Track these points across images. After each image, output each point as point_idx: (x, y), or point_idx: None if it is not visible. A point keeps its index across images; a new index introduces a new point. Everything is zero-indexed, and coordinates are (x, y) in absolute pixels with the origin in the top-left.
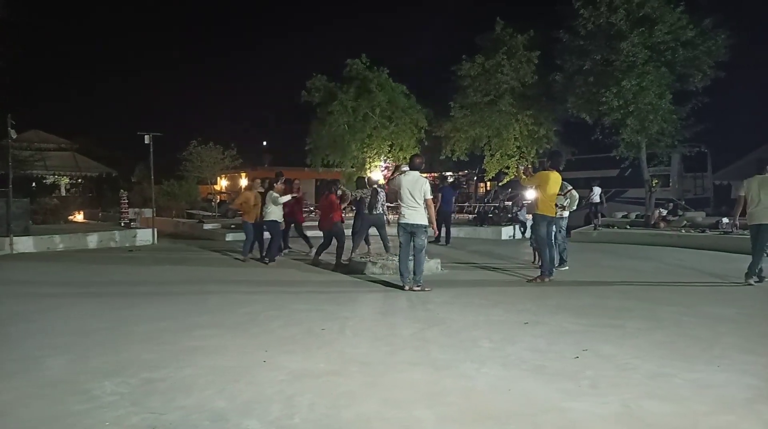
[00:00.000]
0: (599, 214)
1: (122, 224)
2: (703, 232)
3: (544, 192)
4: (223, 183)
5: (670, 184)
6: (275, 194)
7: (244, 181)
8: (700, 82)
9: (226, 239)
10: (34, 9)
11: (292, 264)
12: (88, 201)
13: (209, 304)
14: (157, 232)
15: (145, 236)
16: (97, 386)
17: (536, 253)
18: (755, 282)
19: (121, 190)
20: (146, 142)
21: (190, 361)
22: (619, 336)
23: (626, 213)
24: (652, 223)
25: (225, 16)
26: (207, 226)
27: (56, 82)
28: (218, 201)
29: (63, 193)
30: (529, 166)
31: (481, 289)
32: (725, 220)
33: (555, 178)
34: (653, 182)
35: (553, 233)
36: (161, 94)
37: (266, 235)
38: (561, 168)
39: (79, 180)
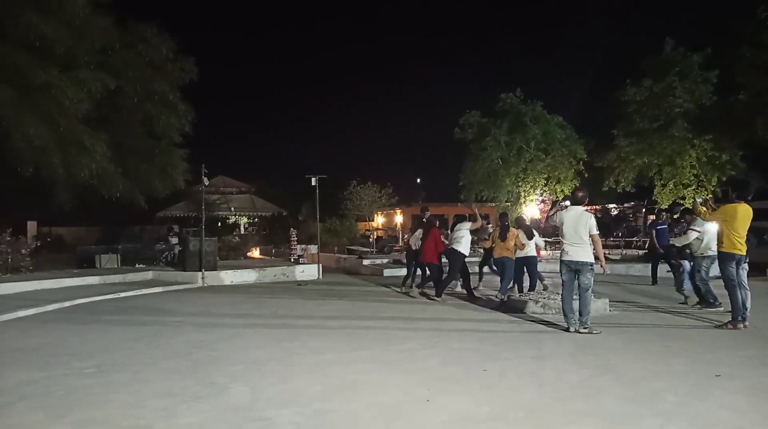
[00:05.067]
0: None
1: (292, 260)
2: None
3: (731, 227)
4: (379, 220)
5: None
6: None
7: (399, 218)
8: None
9: (384, 274)
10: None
11: (448, 301)
12: (262, 238)
13: (368, 339)
14: (322, 267)
15: (311, 271)
16: (276, 414)
17: (699, 294)
18: None
19: (291, 229)
20: (313, 183)
21: (354, 395)
22: None
23: None
24: None
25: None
26: (366, 262)
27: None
28: (375, 237)
29: (242, 231)
30: (710, 196)
31: (658, 334)
32: None
33: (744, 212)
34: None
35: (744, 273)
36: (325, 139)
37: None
38: (750, 198)
39: (255, 219)
